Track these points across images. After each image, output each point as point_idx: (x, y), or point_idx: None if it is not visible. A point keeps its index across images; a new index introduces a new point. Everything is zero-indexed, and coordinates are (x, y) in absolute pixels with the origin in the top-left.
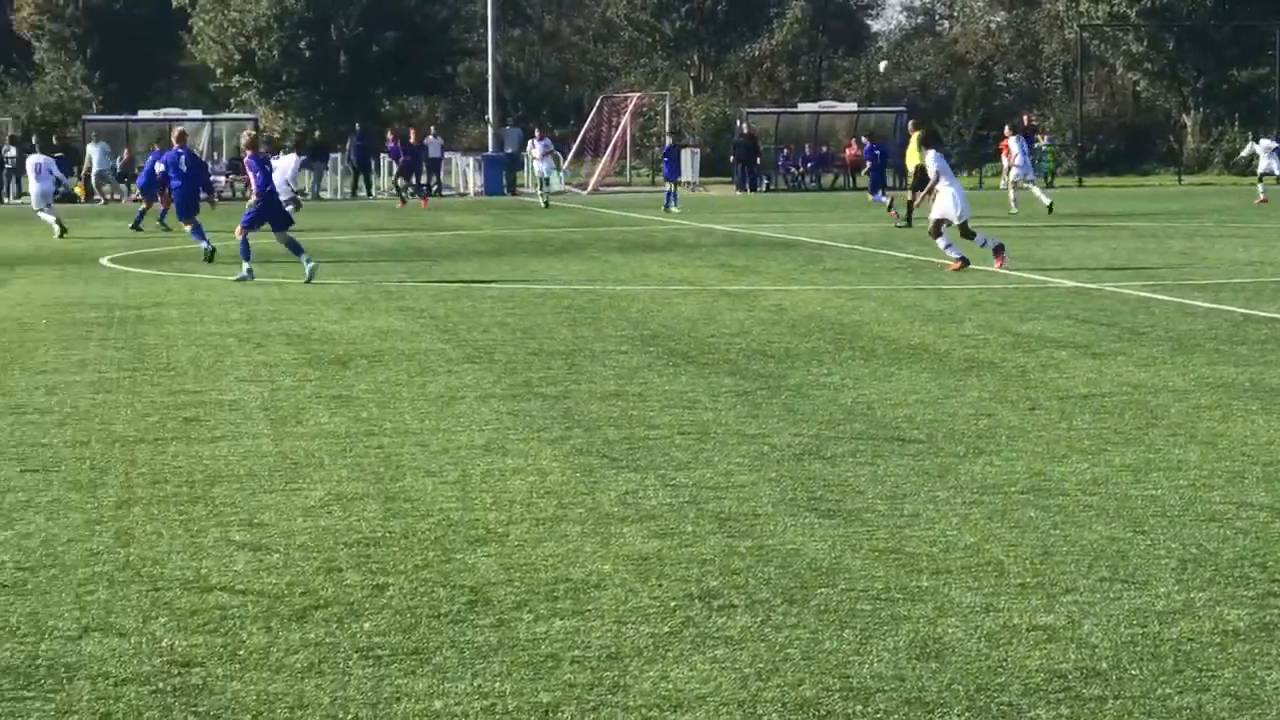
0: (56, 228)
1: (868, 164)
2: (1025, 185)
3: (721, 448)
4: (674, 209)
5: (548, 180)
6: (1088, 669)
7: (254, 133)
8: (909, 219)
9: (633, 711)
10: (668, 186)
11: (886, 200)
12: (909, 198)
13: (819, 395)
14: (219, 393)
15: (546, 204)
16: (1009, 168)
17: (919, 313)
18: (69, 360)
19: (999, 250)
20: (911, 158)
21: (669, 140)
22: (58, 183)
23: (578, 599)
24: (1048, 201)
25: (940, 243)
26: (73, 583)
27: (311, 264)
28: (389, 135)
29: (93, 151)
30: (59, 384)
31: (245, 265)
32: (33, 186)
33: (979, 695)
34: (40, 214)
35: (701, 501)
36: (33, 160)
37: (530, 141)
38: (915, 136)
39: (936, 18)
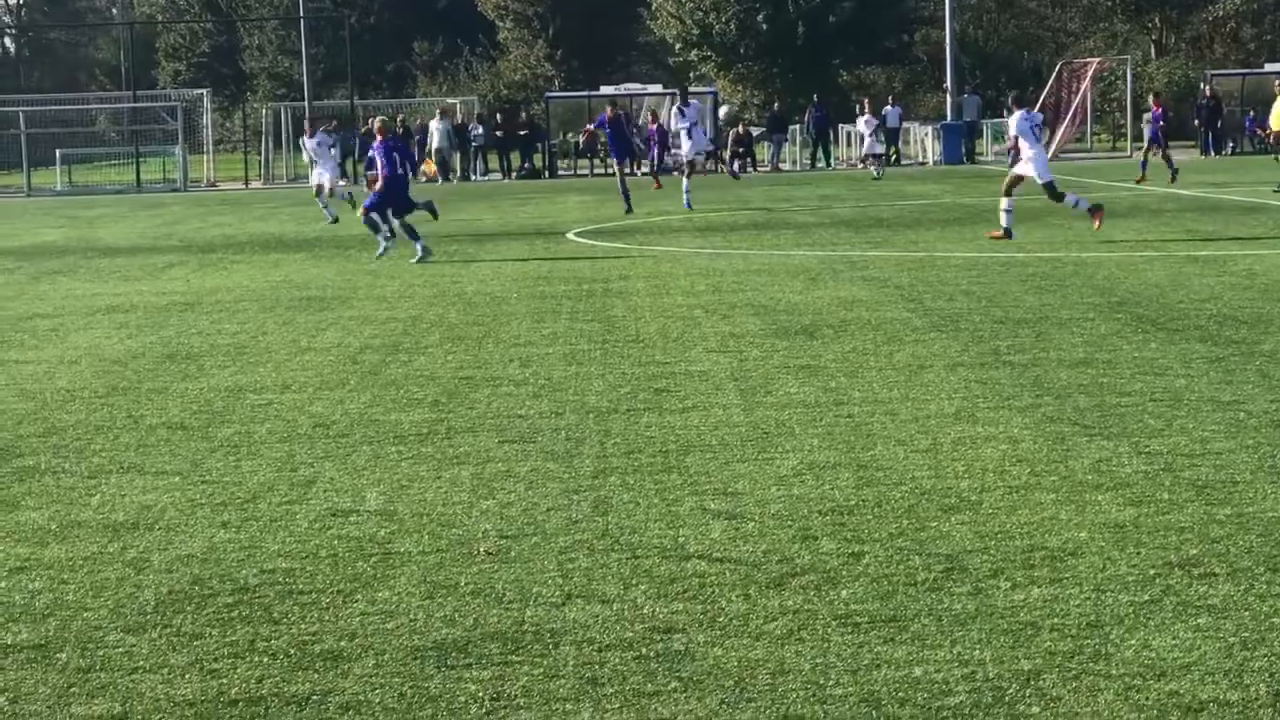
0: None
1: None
2: None
3: (1195, 415)
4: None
5: (868, 156)
6: None
7: (385, 119)
8: None
9: (1115, 680)
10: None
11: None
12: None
13: None
14: (688, 363)
15: (878, 176)
16: None
17: None
18: (540, 333)
19: (1095, 210)
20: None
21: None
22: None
23: (1054, 567)
24: None
25: (1004, 203)
26: (554, 550)
27: (423, 247)
28: (651, 119)
29: (435, 128)
30: (532, 356)
31: (381, 240)
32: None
33: None
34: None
35: (1177, 469)
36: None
37: (866, 118)
38: None
39: None
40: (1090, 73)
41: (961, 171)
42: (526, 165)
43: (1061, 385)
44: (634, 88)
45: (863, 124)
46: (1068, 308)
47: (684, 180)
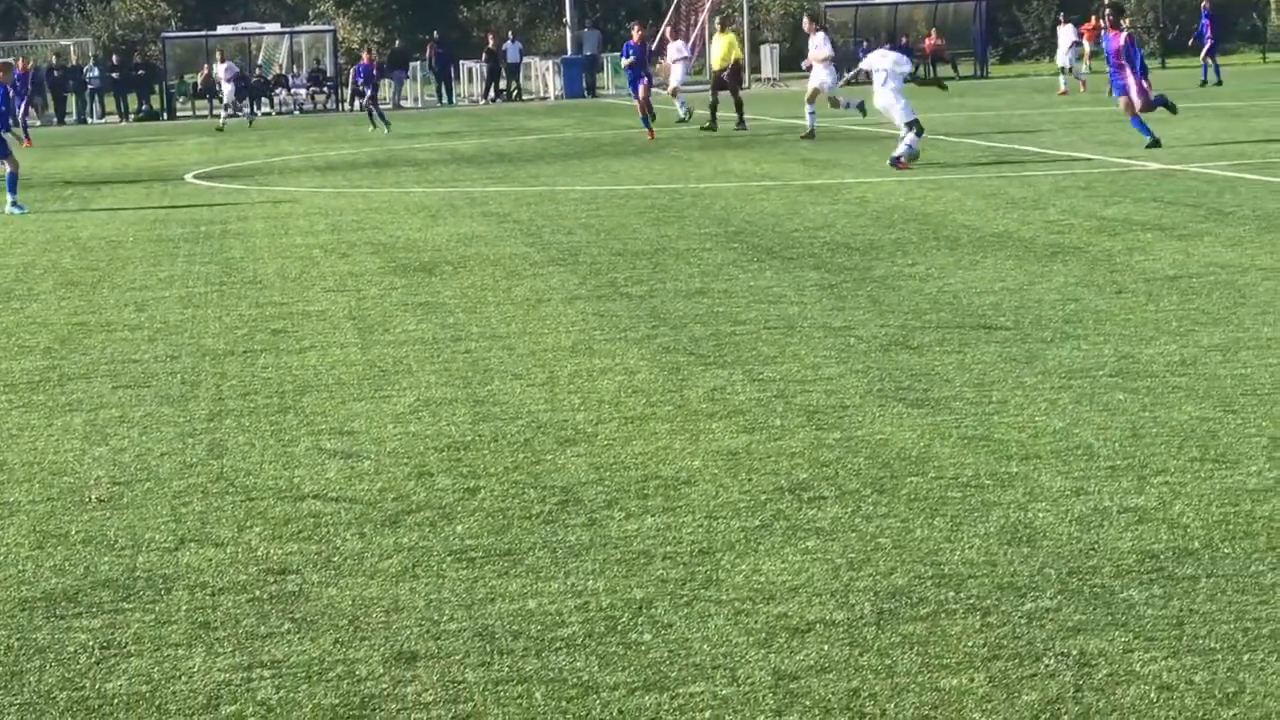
0: None
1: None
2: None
3: (808, 341)
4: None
5: (229, 105)
6: (1180, 549)
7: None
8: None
9: (726, 605)
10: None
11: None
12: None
13: (904, 286)
14: (306, 304)
15: (222, 128)
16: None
17: (1002, 200)
18: (157, 276)
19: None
20: (724, 57)
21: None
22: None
23: (668, 496)
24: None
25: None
26: (168, 495)
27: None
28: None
29: None
30: (148, 300)
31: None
32: None
33: (1071, 578)
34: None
35: (789, 395)
36: None
37: (228, 64)
38: (729, 35)
39: None
40: (708, 5)
41: (583, 105)
42: (144, 107)
43: (678, 315)
44: (251, 27)
45: (221, 70)
46: (685, 238)
47: None
